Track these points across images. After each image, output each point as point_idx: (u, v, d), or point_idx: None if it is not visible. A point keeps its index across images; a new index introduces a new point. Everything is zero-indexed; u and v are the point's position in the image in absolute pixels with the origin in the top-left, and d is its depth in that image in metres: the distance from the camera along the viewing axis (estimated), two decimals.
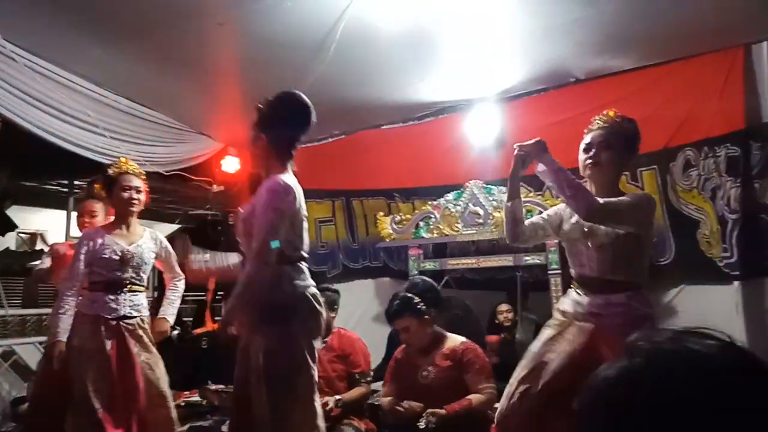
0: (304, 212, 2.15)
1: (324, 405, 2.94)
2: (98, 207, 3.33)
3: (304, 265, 2.15)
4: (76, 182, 6.14)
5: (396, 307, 2.79)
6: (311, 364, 2.08)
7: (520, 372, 2.20)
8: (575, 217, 2.17)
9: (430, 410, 2.59)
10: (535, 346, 2.22)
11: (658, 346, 0.57)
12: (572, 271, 2.27)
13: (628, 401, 0.55)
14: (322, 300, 2.17)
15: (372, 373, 3.33)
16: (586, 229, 2.14)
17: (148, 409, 2.70)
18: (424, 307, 2.77)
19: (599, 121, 2.23)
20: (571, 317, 2.16)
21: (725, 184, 3.57)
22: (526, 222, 2.34)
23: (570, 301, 2.20)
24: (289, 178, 2.11)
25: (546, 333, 2.23)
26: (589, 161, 2.17)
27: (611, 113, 2.24)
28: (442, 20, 3.25)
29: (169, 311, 3.02)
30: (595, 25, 3.29)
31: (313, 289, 2.15)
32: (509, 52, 3.69)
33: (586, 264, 2.16)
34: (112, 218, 3.00)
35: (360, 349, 3.29)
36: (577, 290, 2.19)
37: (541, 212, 2.69)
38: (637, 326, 2.08)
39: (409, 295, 2.81)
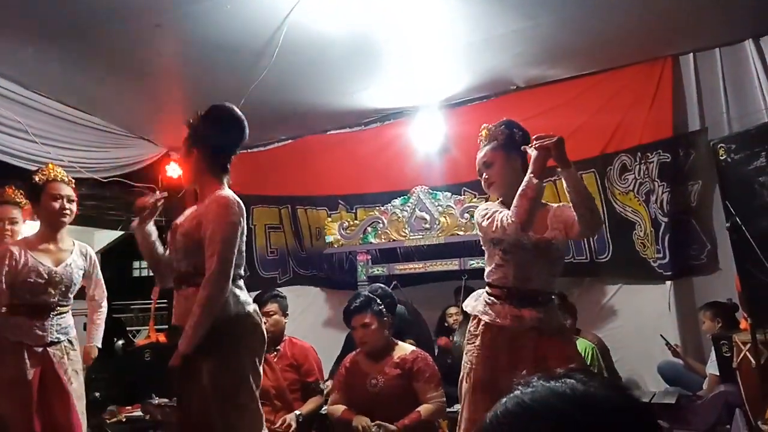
0: (245, 229, 2.11)
1: (283, 423, 2.91)
2: (17, 213, 2.95)
3: (242, 282, 2.13)
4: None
5: (359, 303, 2.84)
6: (255, 381, 2.07)
7: (480, 403, 2.03)
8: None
9: (378, 422, 2.60)
10: (480, 371, 2.06)
11: (551, 383, 0.61)
12: (502, 281, 2.10)
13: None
14: (260, 318, 2.16)
15: (323, 383, 3.31)
16: (550, 242, 2.06)
17: None
18: (384, 309, 2.84)
19: (480, 142, 2.22)
20: (509, 331, 2.04)
21: (657, 188, 3.75)
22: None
23: (506, 313, 2.06)
24: (231, 193, 2.08)
25: (482, 352, 2.07)
26: (484, 183, 2.20)
27: (483, 132, 2.20)
28: (385, 29, 3.27)
29: (98, 336, 2.86)
30: (532, 36, 3.39)
31: (254, 306, 2.14)
32: (451, 61, 3.75)
33: (534, 277, 2.07)
34: (30, 228, 2.73)
35: (313, 358, 3.28)
36: (509, 302, 2.07)
37: None
38: (564, 331, 2.17)
39: (372, 295, 2.88)
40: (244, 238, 2.10)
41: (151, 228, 2.20)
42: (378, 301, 2.85)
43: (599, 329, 3.89)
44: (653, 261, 3.77)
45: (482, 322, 2.10)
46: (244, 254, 2.13)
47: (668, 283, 3.73)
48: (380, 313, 2.82)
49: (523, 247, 2.05)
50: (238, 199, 2.05)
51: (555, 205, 2.20)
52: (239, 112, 2.13)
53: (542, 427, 0.58)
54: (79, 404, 2.61)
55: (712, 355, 3.25)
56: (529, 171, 1.97)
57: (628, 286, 3.95)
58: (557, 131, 3.93)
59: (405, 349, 2.88)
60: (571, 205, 2.04)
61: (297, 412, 3.00)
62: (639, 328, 3.84)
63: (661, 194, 3.74)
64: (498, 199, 2.21)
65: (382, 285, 3.20)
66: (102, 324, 2.90)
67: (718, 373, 3.15)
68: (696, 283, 3.71)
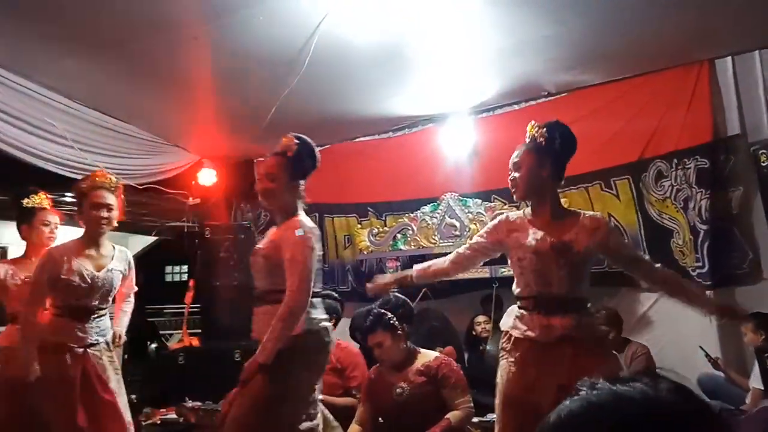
0: (320, 251, 2.26)
1: None
2: (57, 219, 3.06)
3: (317, 300, 2.24)
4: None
5: (369, 322, 2.79)
6: (304, 396, 2.16)
7: (512, 419, 2.01)
8: (540, 232, 2.04)
9: None
10: (511, 387, 2.02)
11: (617, 386, 0.60)
12: (526, 291, 2.07)
13: None
14: (332, 335, 2.26)
15: None
16: (568, 245, 2.00)
17: None
18: (396, 322, 2.78)
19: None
20: (540, 343, 1.99)
21: (696, 195, 3.65)
22: (461, 251, 2.26)
23: (535, 324, 2.02)
24: (307, 219, 2.24)
25: (513, 368, 2.03)
26: (510, 184, 2.14)
27: (528, 129, 2.11)
28: (415, 36, 3.27)
29: (125, 322, 2.93)
30: (564, 41, 3.35)
31: (326, 323, 2.24)
32: (482, 68, 3.73)
33: (554, 282, 2.01)
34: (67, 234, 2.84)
35: (359, 363, 3.27)
36: (537, 311, 2.02)
37: None
38: (602, 343, 2.11)
39: (382, 310, 2.81)
40: (319, 262, 2.24)
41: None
42: (389, 315, 2.78)
43: (636, 340, 3.79)
44: (692, 270, 3.66)
45: (513, 337, 2.07)
46: (319, 274, 2.26)
47: (709, 293, 3.61)
48: (393, 327, 2.76)
49: (538, 252, 2.01)
50: (313, 225, 2.22)
51: (589, 213, 2.14)
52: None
53: (609, 430, 0.56)
54: (121, 401, 2.68)
55: (756, 369, 3.13)
56: None
57: (667, 296, 3.83)
58: (591, 138, 3.90)
59: (428, 355, 2.85)
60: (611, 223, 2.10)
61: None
62: (678, 340, 3.72)
63: (700, 201, 3.63)
64: (527, 205, 2.15)
65: (396, 293, 3.14)
66: (129, 313, 2.97)
67: (762, 387, 3.03)
68: (738, 293, 3.59)
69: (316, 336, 2.17)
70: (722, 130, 3.64)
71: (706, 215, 3.60)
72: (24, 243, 3.10)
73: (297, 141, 2.24)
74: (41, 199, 3.04)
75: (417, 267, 2.40)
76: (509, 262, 2.16)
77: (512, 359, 2.05)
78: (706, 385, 3.56)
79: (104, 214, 2.63)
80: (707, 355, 3.51)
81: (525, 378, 2.00)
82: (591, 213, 2.15)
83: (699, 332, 3.61)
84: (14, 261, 3.09)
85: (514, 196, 2.16)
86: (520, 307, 2.10)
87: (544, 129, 2.05)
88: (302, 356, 2.12)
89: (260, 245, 2.29)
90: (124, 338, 2.89)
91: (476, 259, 2.25)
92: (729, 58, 3.62)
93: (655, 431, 0.55)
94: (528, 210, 2.15)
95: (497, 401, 2.09)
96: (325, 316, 2.26)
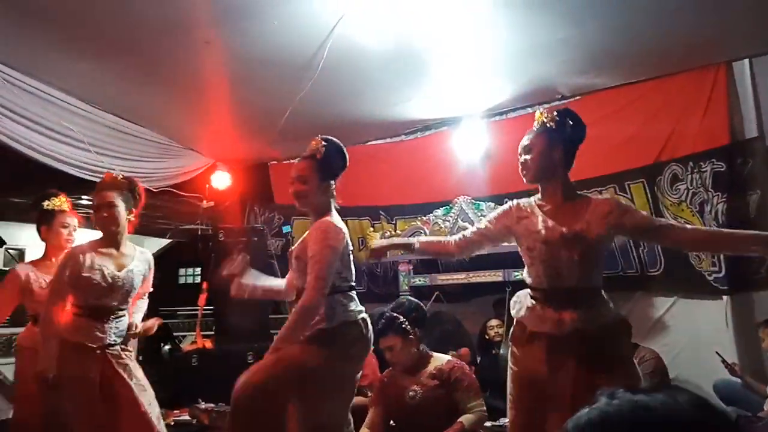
0: (350, 247, 2.31)
1: None
2: (76, 222, 3.09)
3: (353, 293, 2.29)
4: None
5: (381, 326, 2.80)
6: (347, 388, 2.22)
7: (522, 416, 2.00)
8: (551, 221, 1.99)
9: None
10: (525, 382, 2.00)
11: (637, 396, 0.59)
12: (537, 281, 2.03)
13: None
14: (370, 328, 2.28)
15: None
16: (579, 235, 1.94)
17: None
18: (408, 326, 2.80)
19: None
20: (551, 338, 1.95)
21: (712, 199, 3.61)
22: (467, 234, 2.25)
23: (546, 318, 1.97)
24: (337, 218, 2.28)
25: (526, 361, 2.00)
26: (520, 168, 2.10)
27: (537, 114, 2.07)
28: (428, 39, 3.27)
29: (138, 317, 2.90)
30: (579, 44, 3.33)
31: (364, 315, 2.27)
32: (495, 71, 3.72)
33: (565, 273, 1.96)
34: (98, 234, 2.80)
35: (370, 362, 3.27)
36: (549, 304, 1.98)
37: None
38: (620, 331, 2.04)
39: (394, 314, 2.84)
40: (348, 253, 2.27)
41: (248, 280, 2.42)
42: (401, 319, 2.81)
43: (651, 345, 3.75)
44: (709, 275, 3.62)
45: (526, 329, 2.04)
46: (351, 268, 2.29)
47: (725, 297, 3.57)
48: (404, 331, 2.78)
49: (548, 241, 1.97)
50: (340, 224, 2.25)
51: (599, 198, 2.09)
52: None
53: None
54: (146, 395, 2.65)
55: None
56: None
57: (683, 301, 3.80)
58: (605, 141, 3.87)
59: (441, 359, 2.86)
60: (614, 199, 2.09)
61: None
62: (694, 345, 3.69)
63: (716, 204, 3.60)
64: (537, 193, 2.10)
65: (409, 297, 3.17)
66: (142, 309, 2.95)
67: None
68: (755, 298, 3.54)
69: (353, 326, 2.20)
70: (740, 133, 3.60)
71: (722, 219, 3.56)
72: (42, 245, 3.13)
73: (324, 143, 2.28)
74: (61, 202, 3.07)
75: (422, 239, 2.51)
76: (519, 249, 2.12)
77: (525, 350, 2.02)
78: (722, 391, 3.52)
79: (104, 213, 2.61)
80: (724, 360, 3.46)
81: (538, 371, 1.96)
82: (601, 197, 2.11)
83: (715, 337, 3.58)
84: (35, 263, 3.11)
85: (524, 179, 2.11)
86: (531, 297, 2.07)
87: (555, 113, 2.04)
88: (340, 348, 2.16)
89: (294, 246, 2.36)
90: (140, 328, 2.85)
91: (482, 244, 2.23)
92: (746, 61, 3.58)
93: None
94: (538, 196, 2.11)
95: (510, 388, 2.06)
96: (362, 308, 2.28)
